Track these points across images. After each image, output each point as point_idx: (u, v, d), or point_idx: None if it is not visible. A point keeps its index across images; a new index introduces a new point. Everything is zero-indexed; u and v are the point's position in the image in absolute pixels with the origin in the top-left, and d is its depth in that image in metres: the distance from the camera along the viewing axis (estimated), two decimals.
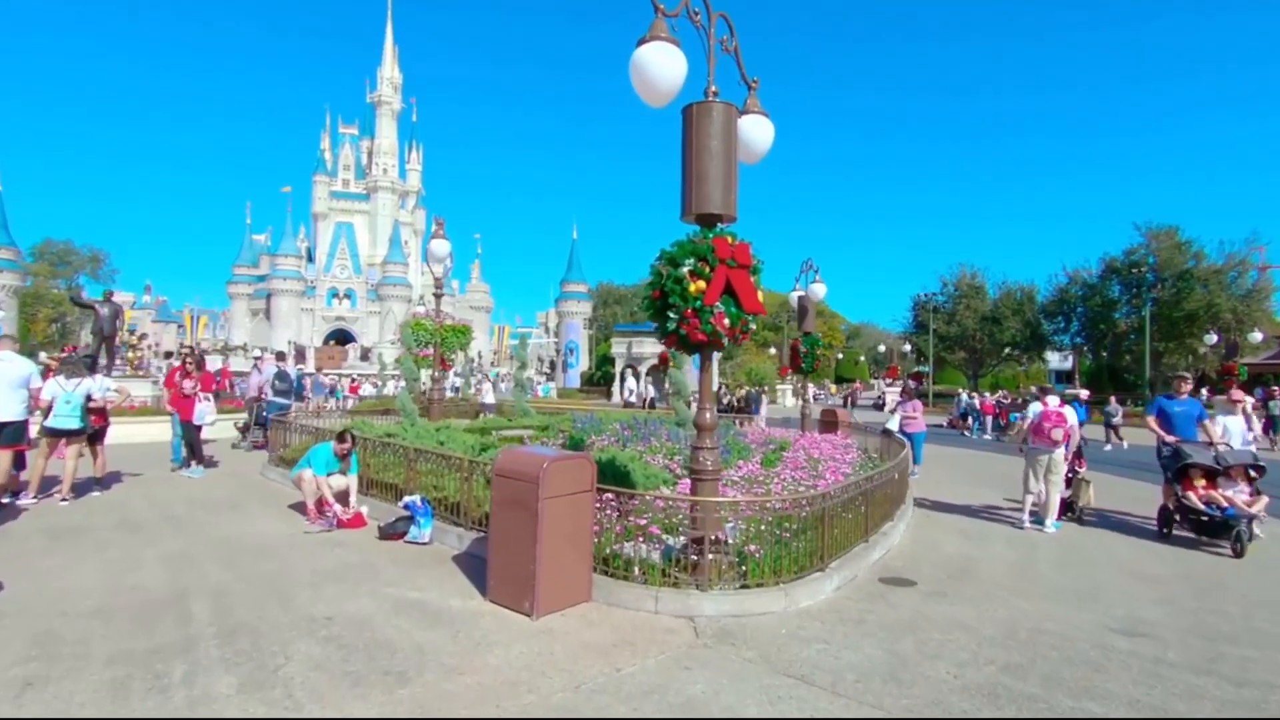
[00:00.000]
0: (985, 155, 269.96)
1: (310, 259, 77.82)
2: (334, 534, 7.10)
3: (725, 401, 26.09)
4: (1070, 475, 9.20)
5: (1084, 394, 22.02)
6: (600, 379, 60.04)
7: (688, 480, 8.60)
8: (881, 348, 76.93)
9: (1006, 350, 47.35)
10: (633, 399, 30.45)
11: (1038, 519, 8.79)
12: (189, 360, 10.52)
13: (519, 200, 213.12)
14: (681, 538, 5.67)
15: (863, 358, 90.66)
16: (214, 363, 22.22)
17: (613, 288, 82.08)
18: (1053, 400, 9.21)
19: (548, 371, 66.26)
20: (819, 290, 16.63)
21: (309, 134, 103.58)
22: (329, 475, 7.55)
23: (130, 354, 17.63)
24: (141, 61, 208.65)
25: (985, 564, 6.93)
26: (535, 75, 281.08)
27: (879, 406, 45.05)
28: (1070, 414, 9.11)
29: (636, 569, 5.43)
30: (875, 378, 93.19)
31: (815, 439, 13.96)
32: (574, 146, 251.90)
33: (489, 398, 27.27)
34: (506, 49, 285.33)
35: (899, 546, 7.52)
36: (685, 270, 5.49)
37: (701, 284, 5.41)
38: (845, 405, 37.55)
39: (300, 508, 7.82)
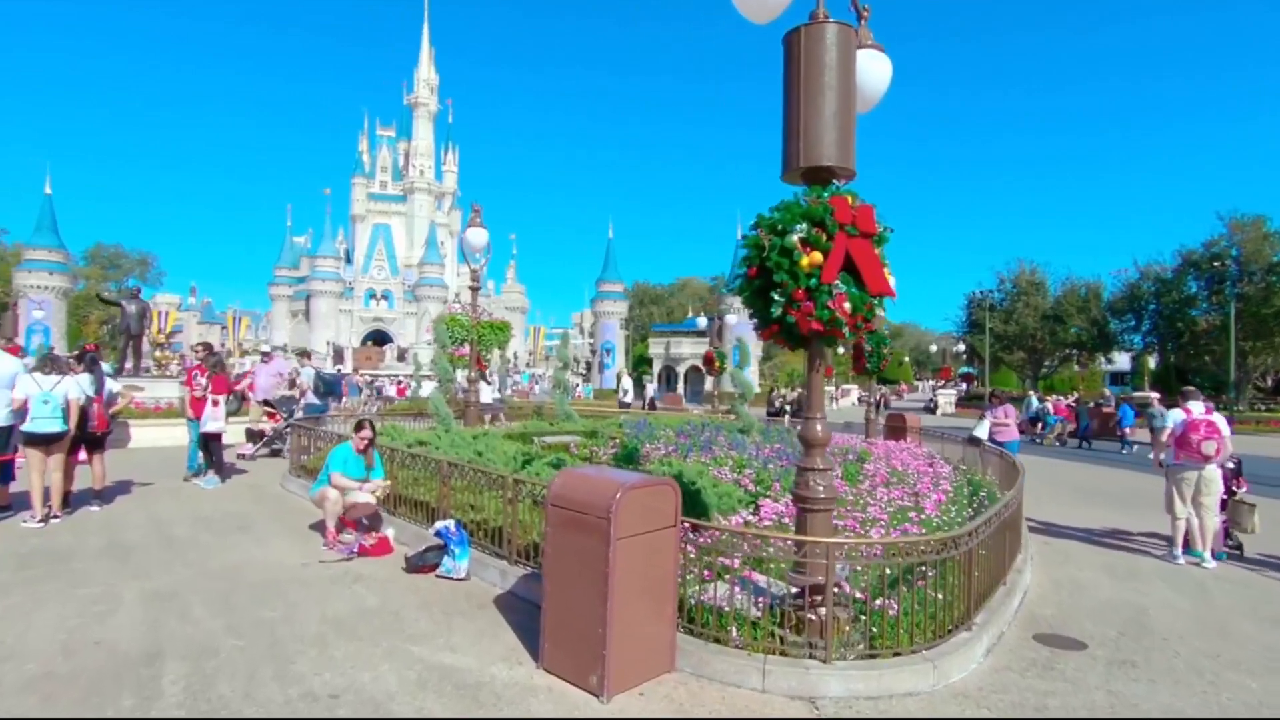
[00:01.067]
0: (1044, 150, 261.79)
1: (349, 260, 78.34)
2: (354, 564, 5.97)
3: (777, 404, 24.57)
4: (1227, 497, 7.65)
5: (1153, 396, 20.07)
6: (637, 378, 58.90)
7: (766, 501, 7.35)
8: (933, 348, 74.21)
9: (1069, 350, 44.69)
10: (627, 399, 29.48)
11: (1191, 550, 7.27)
12: (205, 359, 9.57)
13: (553, 201, 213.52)
14: (779, 583, 4.40)
15: (906, 359, 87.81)
16: (245, 364, 21.51)
17: (649, 287, 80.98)
18: (1196, 407, 7.68)
19: (583, 373, 65.38)
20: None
21: (348, 137, 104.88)
22: (355, 483, 6.49)
23: (158, 354, 16.96)
24: (187, 69, 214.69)
25: (1158, 614, 5.48)
26: (569, 75, 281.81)
27: (929, 409, 42.91)
28: (1222, 423, 7.58)
29: (734, 629, 4.15)
30: (919, 379, 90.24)
31: (889, 447, 12.52)
32: (608, 146, 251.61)
33: (485, 398, 26.04)
34: (541, 49, 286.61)
35: (1036, 587, 6.10)
36: (795, 239, 4.21)
37: (817, 256, 4.13)
38: (878, 408, 35.31)
39: (320, 526, 6.74)
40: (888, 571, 4.54)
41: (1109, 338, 41.85)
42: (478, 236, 12.06)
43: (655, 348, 54.98)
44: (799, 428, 4.69)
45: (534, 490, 5.52)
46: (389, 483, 6.92)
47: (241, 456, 11.31)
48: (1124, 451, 20.66)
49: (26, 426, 6.65)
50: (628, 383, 32.85)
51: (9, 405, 6.66)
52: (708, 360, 25.60)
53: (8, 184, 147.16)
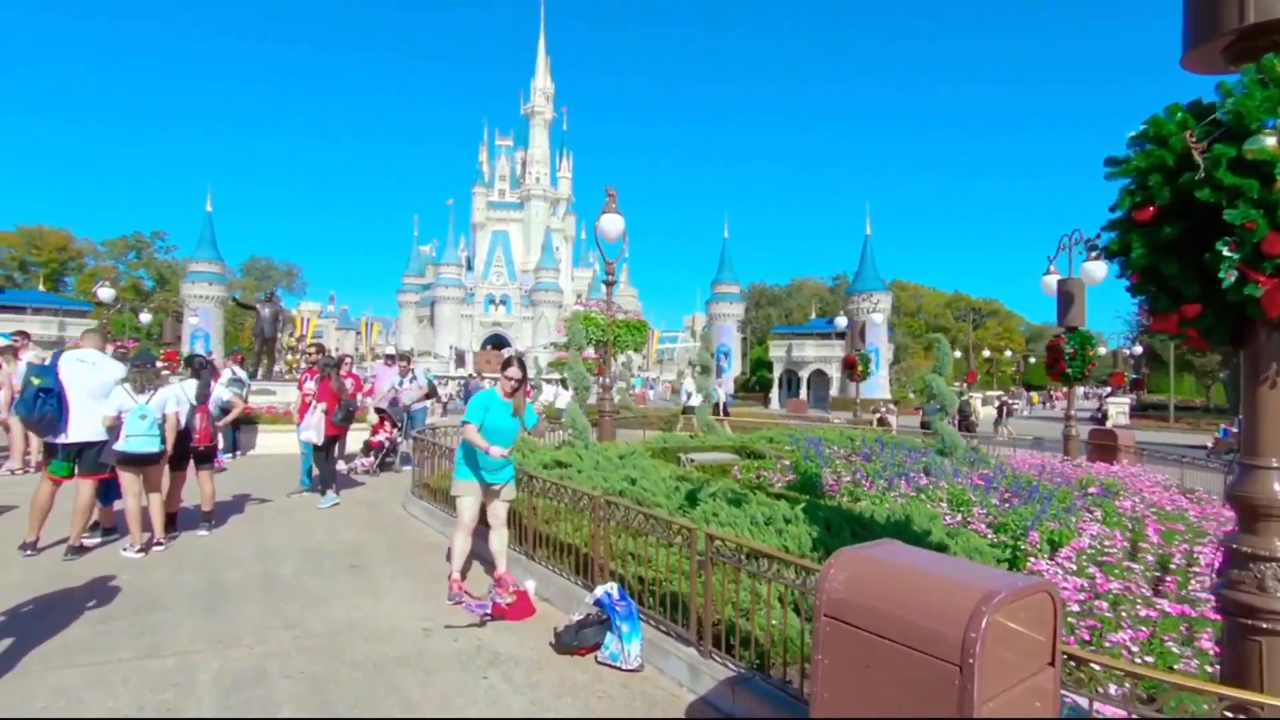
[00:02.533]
0: None
1: (469, 267, 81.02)
2: (488, 633, 4.52)
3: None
4: None
5: None
6: (756, 384, 56.29)
7: (1039, 562, 5.30)
8: (1102, 350, 66.51)
9: None
10: (692, 403, 26.09)
11: None
12: (316, 361, 8.66)
13: (662, 204, 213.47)
14: None
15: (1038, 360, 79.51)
16: (369, 369, 21.31)
17: (765, 288, 78.14)
18: None
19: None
20: (1097, 271, 12.33)
21: (470, 149, 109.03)
22: (492, 486, 5.13)
23: (290, 357, 16.88)
24: (328, 93, 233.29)
25: None
26: (678, 77, 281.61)
27: (1098, 420, 37.56)
28: None
29: None
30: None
31: (1120, 473, 9.95)
32: (717, 147, 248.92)
33: (563, 405, 24.25)
34: (651, 52, 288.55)
35: None
36: (1270, 142, 2.27)
37: None
38: (1000, 418, 30.72)
39: (445, 553, 5.40)
40: None
41: None
42: (613, 223, 10.61)
43: (776, 350, 52.26)
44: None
45: (735, 554, 3.82)
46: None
47: (353, 471, 10.40)
48: None
49: (120, 445, 5.76)
50: (690, 384, 29.03)
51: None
52: (849, 364, 23.13)
53: (176, 203, 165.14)
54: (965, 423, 18.73)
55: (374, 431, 10.97)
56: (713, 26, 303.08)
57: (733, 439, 11.69)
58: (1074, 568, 5.07)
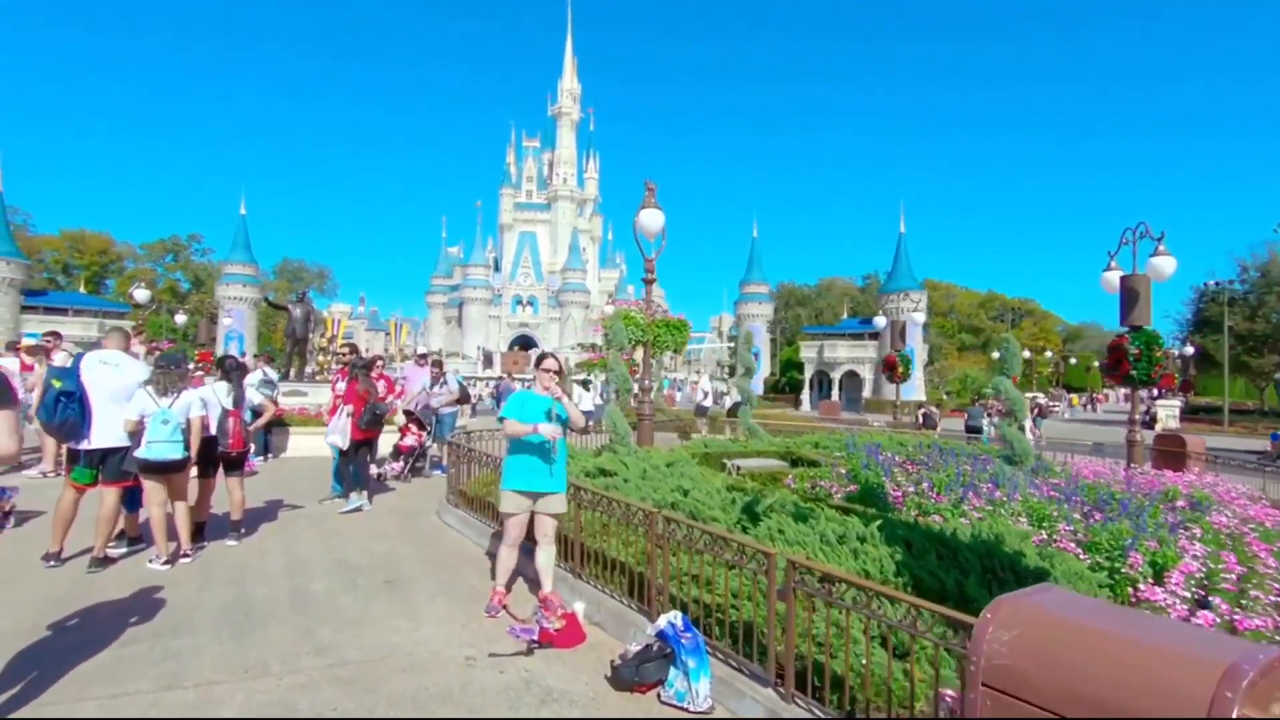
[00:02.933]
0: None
1: (497, 268, 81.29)
2: (536, 661, 4.10)
3: (981, 419, 20.74)
4: None
5: None
6: (786, 385, 55.44)
7: (1151, 589, 4.72)
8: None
9: None
10: (707, 403, 24.29)
11: None
12: (348, 361, 8.35)
13: (686, 204, 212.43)
14: None
15: (1096, 363, 77.14)
16: (399, 370, 21.13)
17: (794, 288, 77.07)
18: None
19: (724, 377, 62.92)
20: (1165, 266, 11.60)
21: (498, 150, 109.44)
22: (541, 496, 4.72)
23: (321, 358, 16.72)
24: (358, 99, 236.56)
25: None
26: (703, 78, 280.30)
27: (1146, 423, 35.92)
28: None
29: None
30: (1109, 387, 78.85)
31: (1197, 484, 9.21)
32: (743, 147, 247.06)
33: (586, 405, 23.52)
34: (676, 53, 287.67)
35: None
36: None
37: None
38: (1035, 419, 28.88)
39: (487, 568, 5.01)
40: None
41: None
42: (653, 219, 10.16)
43: (807, 351, 51.40)
44: None
45: (824, 587, 3.34)
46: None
47: (383, 477, 9.98)
48: None
49: (141, 452, 5.42)
50: (708, 384, 27.78)
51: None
52: (890, 365, 22.39)
53: (213, 207, 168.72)
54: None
55: (402, 435, 10.57)
56: (740, 25, 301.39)
57: (777, 444, 11.17)
58: (1187, 595, 4.50)
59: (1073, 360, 72.42)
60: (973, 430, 19.35)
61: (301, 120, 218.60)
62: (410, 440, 10.45)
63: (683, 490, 5.92)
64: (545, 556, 4.95)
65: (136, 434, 5.40)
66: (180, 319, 34.52)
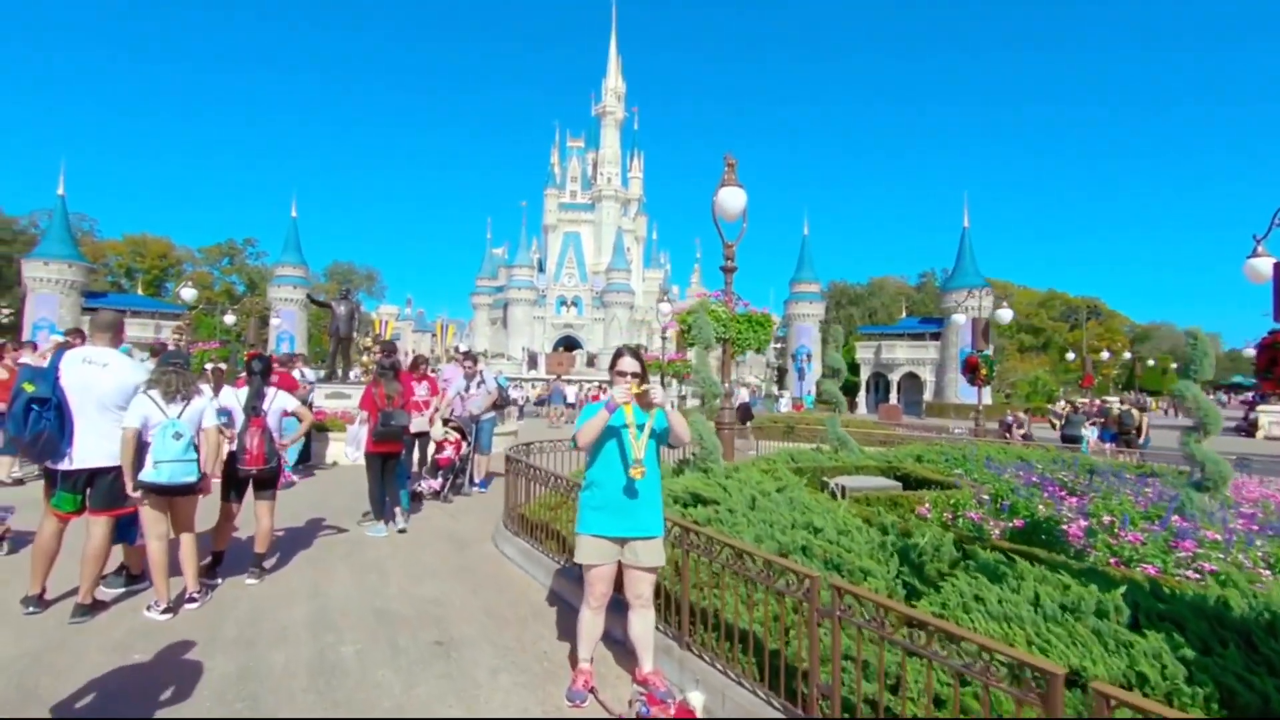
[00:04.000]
0: None
1: (541, 269, 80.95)
2: None
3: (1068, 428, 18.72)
4: None
5: None
6: (840, 387, 53.31)
7: None
8: (1249, 350, 59.99)
9: None
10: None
11: None
12: (379, 363, 7.26)
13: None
14: None
15: (1174, 365, 72.36)
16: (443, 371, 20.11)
17: (846, 287, 74.53)
18: None
19: (772, 380, 61.00)
20: None
21: (542, 151, 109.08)
22: (629, 543, 3.48)
23: (365, 359, 15.82)
24: (407, 100, 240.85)
25: None
26: (751, 75, 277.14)
27: (1245, 430, 32.90)
28: None
29: None
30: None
31: None
32: (796, 141, 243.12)
33: None
34: (724, 48, 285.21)
35: None
36: None
37: None
38: (1104, 435, 25.67)
39: (560, 621, 3.77)
40: None
41: None
42: (733, 198, 8.83)
43: (863, 352, 49.21)
44: None
45: None
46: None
47: (417, 496, 8.56)
48: None
49: (148, 474, 4.32)
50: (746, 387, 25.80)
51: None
52: (971, 367, 20.49)
53: (267, 211, 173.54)
54: (1125, 436, 15.94)
55: (439, 448, 8.98)
56: (786, 20, 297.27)
57: (875, 457, 9.70)
58: None
59: (1150, 362, 68.05)
60: (1070, 440, 17.42)
61: (351, 125, 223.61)
62: (449, 452, 8.97)
63: (811, 527, 4.57)
64: (642, 624, 3.68)
65: (139, 452, 4.30)
66: (229, 319, 34.47)
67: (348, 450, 6.75)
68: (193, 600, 4.67)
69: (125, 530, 4.73)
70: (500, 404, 10.96)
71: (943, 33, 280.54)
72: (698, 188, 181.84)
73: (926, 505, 6.04)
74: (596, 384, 30.46)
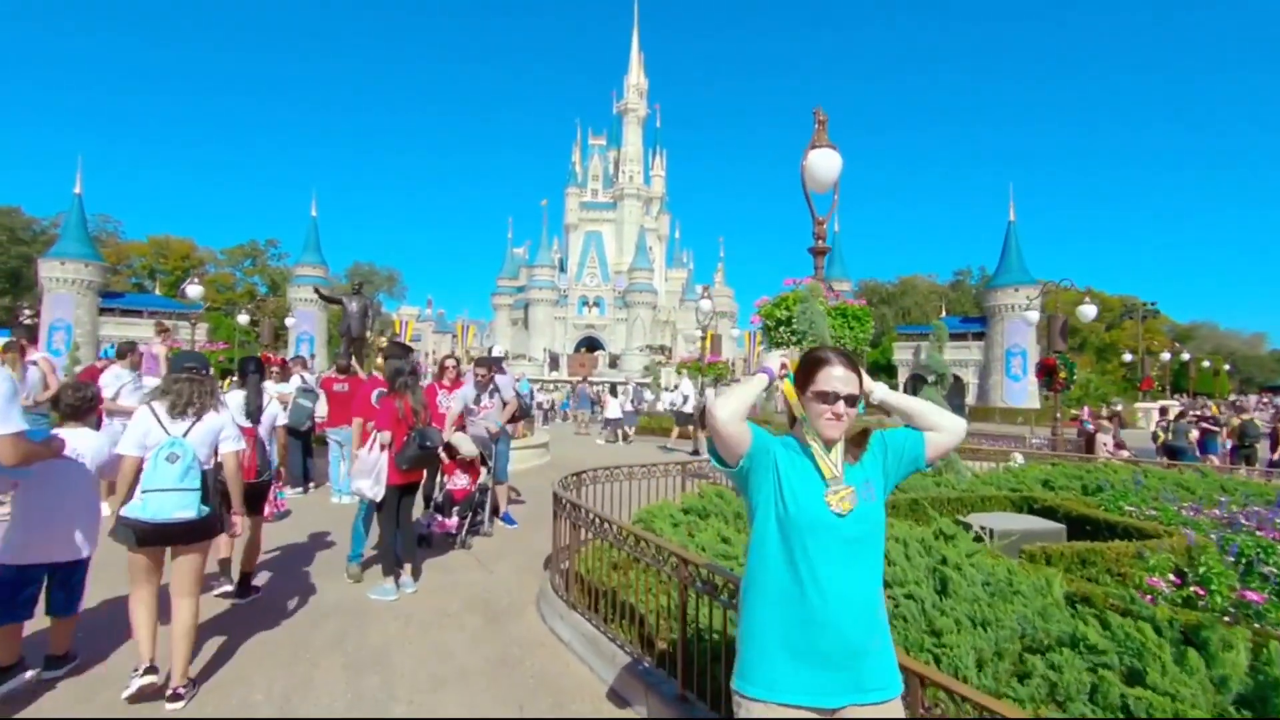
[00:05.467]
0: None
1: (562, 269, 79.60)
2: None
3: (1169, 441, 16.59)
4: None
5: None
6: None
7: None
8: None
9: None
10: (688, 409, 19.23)
11: None
12: (390, 365, 5.70)
13: (751, 198, 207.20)
14: None
15: (1228, 366, 69.08)
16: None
17: (877, 285, 72.19)
18: None
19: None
20: None
21: (563, 149, 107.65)
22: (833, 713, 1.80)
23: (379, 360, 14.24)
24: (427, 99, 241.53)
25: None
26: (776, 71, 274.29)
27: None
28: None
29: None
30: (1242, 393, 70.53)
31: None
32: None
33: (613, 413, 19.70)
34: (747, 44, 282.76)
35: None
36: None
37: None
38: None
39: None
40: None
41: None
42: (826, 163, 7.11)
43: (900, 353, 47.11)
44: None
45: None
46: None
47: (426, 540, 6.63)
48: None
49: (130, 508, 3.31)
50: (688, 386, 20.79)
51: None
52: (1048, 369, 18.46)
53: (288, 213, 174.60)
54: (1246, 450, 13.88)
55: (447, 472, 6.80)
56: (809, 13, 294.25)
57: (992, 482, 7.90)
58: None
59: (1205, 363, 64.81)
60: (1174, 453, 15.39)
61: (372, 126, 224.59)
62: (462, 481, 6.86)
63: (1082, 643, 2.80)
64: None
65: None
66: (243, 319, 33.33)
67: (362, 486, 5.10)
68: (177, 698, 3.27)
69: (54, 596, 3.53)
70: (518, 417, 8.99)
71: (970, 38, 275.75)
72: (721, 185, 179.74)
73: (1159, 578, 4.22)
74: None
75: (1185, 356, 55.09)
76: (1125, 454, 14.33)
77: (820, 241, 7.30)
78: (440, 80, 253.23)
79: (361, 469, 5.07)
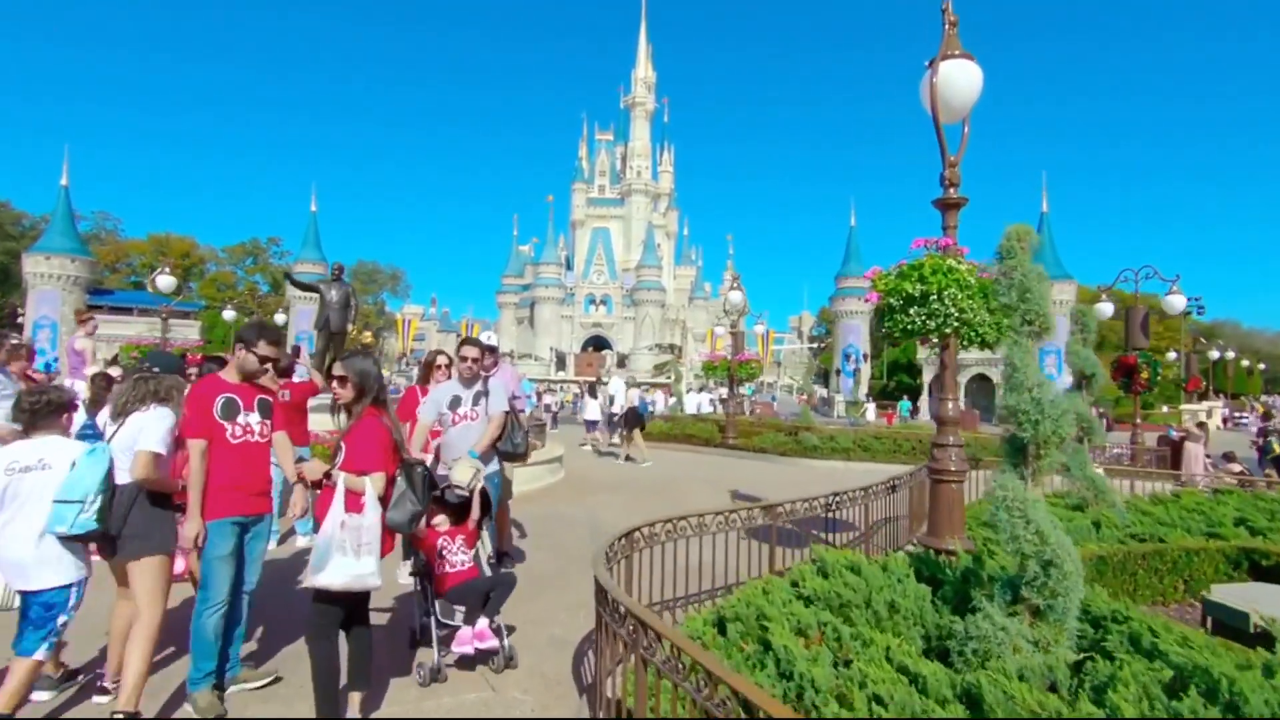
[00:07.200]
0: None
1: (569, 266, 77.58)
2: None
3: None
4: None
5: None
6: (895, 389, 48.96)
7: None
8: None
9: None
10: (614, 410, 16.85)
11: None
12: (349, 372, 3.50)
13: (763, 195, 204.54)
14: None
15: (1264, 365, 66.62)
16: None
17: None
18: None
19: (821, 381, 56.84)
20: None
21: (570, 145, 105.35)
22: None
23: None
24: (432, 96, 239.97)
25: None
26: (785, 63, 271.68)
27: None
28: None
29: None
30: (1267, 393, 68.10)
31: None
32: (828, 133, 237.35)
33: (592, 414, 17.97)
34: (757, 37, 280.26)
35: None
36: None
37: None
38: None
39: None
40: None
41: None
42: (963, 78, 5.15)
43: (925, 351, 44.82)
44: None
45: None
46: None
47: (433, 632, 3.87)
48: None
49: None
50: (617, 387, 18.70)
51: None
52: (1128, 369, 16.37)
53: (290, 211, 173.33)
54: None
55: (420, 545, 4.04)
56: (819, 7, 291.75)
57: (1165, 522, 5.83)
58: None
59: (1244, 363, 62.32)
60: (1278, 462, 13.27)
61: (375, 122, 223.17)
62: (461, 557, 4.02)
63: None
64: None
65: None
66: (228, 314, 31.47)
67: (325, 577, 2.91)
68: None
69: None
70: (514, 454, 5.51)
71: (984, 25, 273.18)
72: (730, 180, 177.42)
73: None
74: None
75: (1219, 354, 52.28)
76: (1236, 468, 12.21)
77: (952, 190, 5.26)
78: (445, 76, 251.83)
79: (325, 546, 2.93)
